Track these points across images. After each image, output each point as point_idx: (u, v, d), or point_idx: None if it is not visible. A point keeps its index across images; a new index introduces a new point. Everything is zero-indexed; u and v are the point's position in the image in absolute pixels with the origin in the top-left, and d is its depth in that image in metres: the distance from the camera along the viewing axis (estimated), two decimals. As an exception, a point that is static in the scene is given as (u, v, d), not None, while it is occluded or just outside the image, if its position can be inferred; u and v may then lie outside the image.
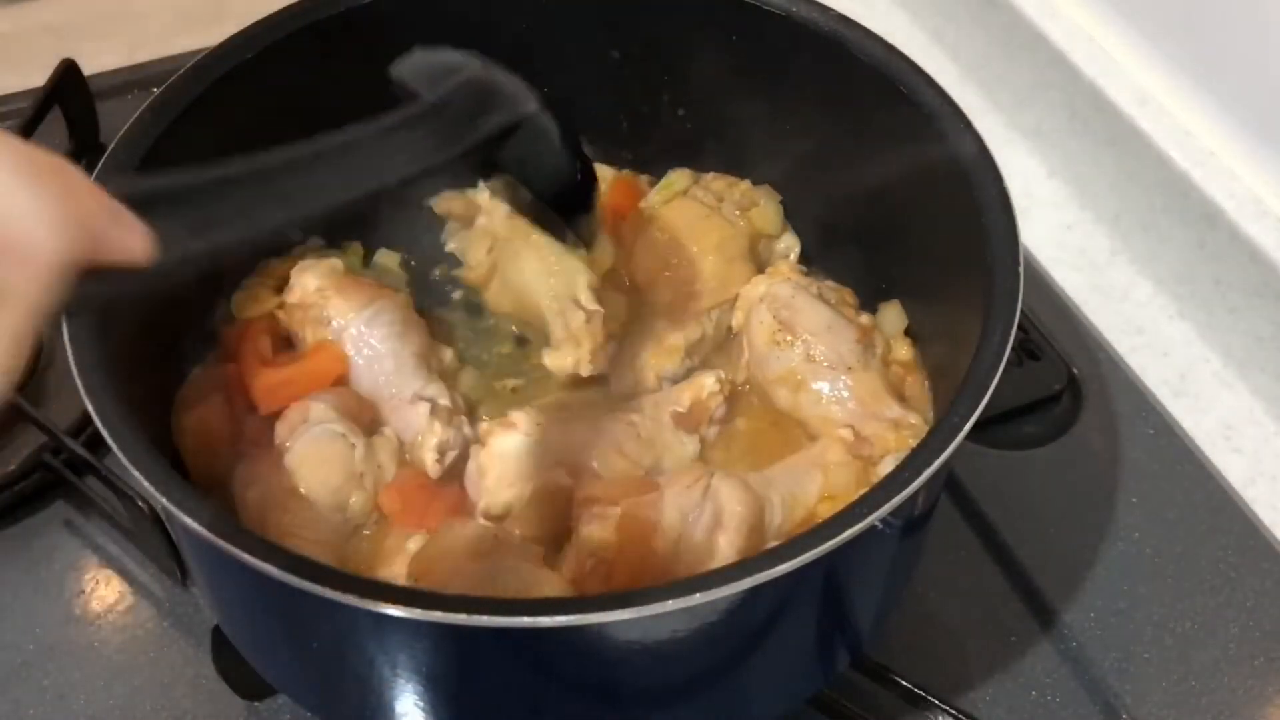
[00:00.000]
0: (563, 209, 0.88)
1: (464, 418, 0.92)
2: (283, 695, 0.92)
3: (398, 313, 0.94)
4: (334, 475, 0.86)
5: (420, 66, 0.81)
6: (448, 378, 0.95)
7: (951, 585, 1.00)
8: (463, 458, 0.90)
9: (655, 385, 0.95)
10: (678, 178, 1.04)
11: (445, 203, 1.07)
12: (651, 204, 1.03)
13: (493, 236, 1.02)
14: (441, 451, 0.89)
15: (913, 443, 0.85)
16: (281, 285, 0.97)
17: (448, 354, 0.97)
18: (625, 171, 1.07)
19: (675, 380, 0.95)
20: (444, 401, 0.91)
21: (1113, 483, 1.07)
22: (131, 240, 0.54)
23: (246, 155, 0.65)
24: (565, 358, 0.97)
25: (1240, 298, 1.15)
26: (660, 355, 0.95)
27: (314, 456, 0.86)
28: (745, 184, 1.03)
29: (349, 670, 0.76)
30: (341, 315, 0.92)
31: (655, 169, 1.07)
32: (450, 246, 1.06)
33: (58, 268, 0.49)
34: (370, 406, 0.92)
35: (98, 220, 0.52)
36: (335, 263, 0.97)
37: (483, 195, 1.05)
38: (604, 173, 1.07)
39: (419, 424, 0.90)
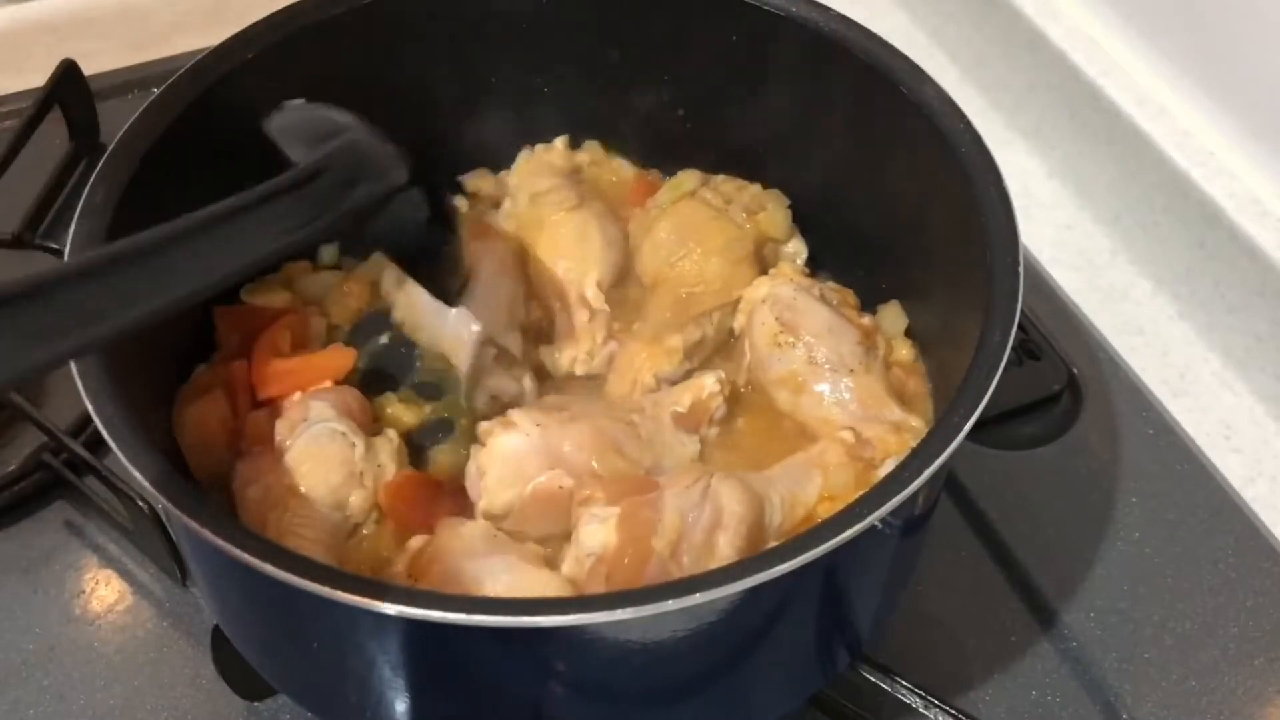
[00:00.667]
0: (429, 272, 0.87)
1: (528, 371, 0.95)
2: (283, 695, 0.92)
3: (499, 260, 0.97)
4: (334, 474, 0.86)
5: (294, 123, 0.78)
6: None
7: (951, 585, 1.00)
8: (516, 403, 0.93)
9: (653, 386, 0.95)
10: (686, 178, 1.04)
11: (477, 181, 1.07)
12: (659, 203, 1.03)
13: (516, 221, 1.02)
14: (492, 396, 0.93)
15: (914, 446, 0.85)
16: (289, 284, 1.00)
17: (534, 309, 0.98)
18: (640, 170, 1.08)
19: (673, 382, 0.95)
20: (515, 350, 0.94)
21: (1113, 483, 1.07)
22: None
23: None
24: (563, 355, 0.97)
25: (1240, 298, 1.15)
26: (658, 356, 0.95)
27: (314, 455, 0.86)
28: (755, 187, 1.03)
29: (349, 670, 0.76)
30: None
31: (668, 170, 1.07)
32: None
33: None
34: (369, 408, 0.92)
35: None
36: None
37: (512, 178, 1.05)
38: (622, 169, 1.07)
39: (481, 366, 0.93)
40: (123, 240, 0.62)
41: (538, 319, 0.98)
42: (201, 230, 0.65)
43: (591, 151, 1.08)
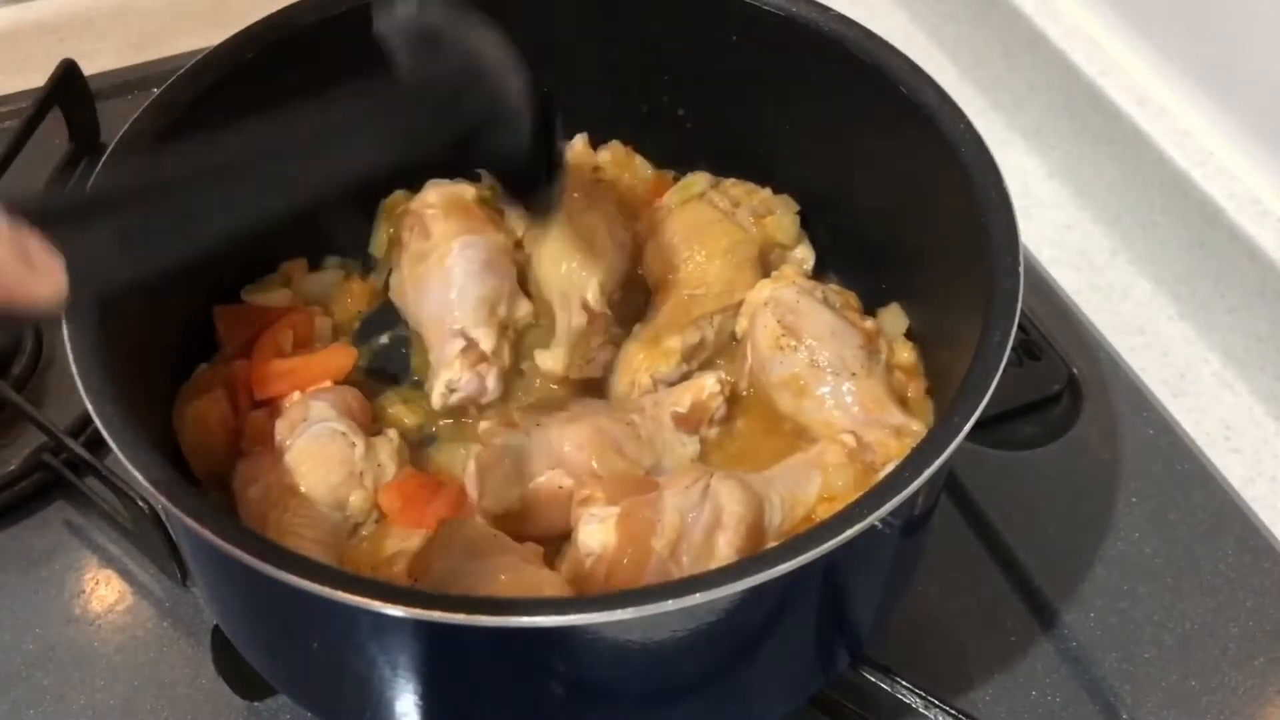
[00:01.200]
0: (526, 192, 0.85)
1: (495, 369, 0.93)
2: (283, 695, 0.92)
3: (487, 253, 0.96)
4: (334, 473, 0.86)
5: (407, 25, 0.73)
6: (509, 331, 0.96)
7: (951, 585, 1.00)
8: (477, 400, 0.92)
9: (650, 387, 0.94)
10: (695, 180, 1.04)
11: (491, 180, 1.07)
12: (667, 205, 1.03)
13: (523, 223, 1.02)
14: (449, 389, 0.91)
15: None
16: (288, 283, 0.99)
17: (524, 307, 0.97)
18: (660, 170, 1.08)
19: (671, 383, 0.95)
20: (484, 345, 0.92)
21: (1113, 483, 1.07)
22: (39, 285, 0.50)
23: (200, 144, 0.61)
24: (556, 360, 0.97)
25: (1240, 298, 1.15)
26: (656, 357, 0.95)
27: (314, 454, 0.86)
28: (765, 192, 1.03)
29: (349, 670, 0.76)
30: (439, 235, 0.96)
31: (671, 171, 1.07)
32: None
33: None
34: (369, 408, 0.92)
35: (6, 267, 0.49)
36: (465, 189, 1.00)
37: None
38: (644, 170, 1.07)
39: (446, 357, 0.91)
40: (214, 149, 0.60)
41: (524, 319, 0.98)
42: (299, 140, 0.64)
43: (613, 150, 1.07)
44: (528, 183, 0.82)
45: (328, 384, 0.91)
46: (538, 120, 0.77)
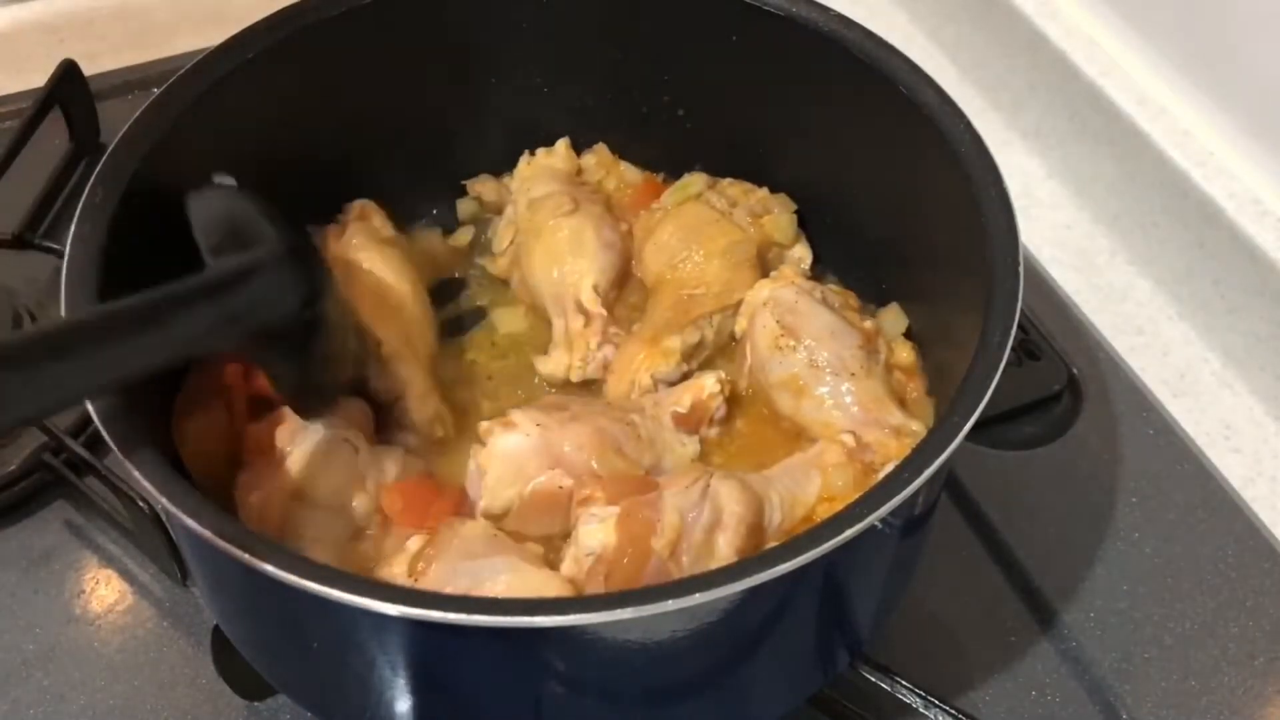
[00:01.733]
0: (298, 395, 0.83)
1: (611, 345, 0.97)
2: (283, 695, 0.92)
3: (613, 230, 1.01)
4: (336, 478, 0.85)
5: (216, 211, 0.75)
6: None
7: (951, 585, 1.00)
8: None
9: (650, 387, 0.94)
10: (693, 181, 1.04)
11: (479, 185, 1.07)
12: (663, 205, 1.03)
13: (515, 227, 1.02)
14: (584, 362, 0.96)
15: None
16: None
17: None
18: (649, 173, 1.08)
19: (670, 383, 0.95)
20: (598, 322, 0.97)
21: (1113, 483, 1.07)
22: None
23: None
24: (557, 364, 0.97)
25: (1240, 298, 1.15)
26: (655, 357, 0.95)
27: (317, 460, 0.86)
28: (762, 191, 1.03)
29: (349, 670, 0.76)
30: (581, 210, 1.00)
31: (668, 171, 1.07)
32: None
33: None
34: (372, 418, 0.91)
35: None
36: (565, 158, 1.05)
37: (513, 183, 1.05)
38: (630, 174, 1.07)
39: (575, 329, 0.97)
40: (58, 321, 0.63)
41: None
42: (111, 328, 0.65)
43: (599, 154, 1.08)
44: (301, 384, 0.81)
45: None
46: (316, 322, 0.76)
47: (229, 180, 0.78)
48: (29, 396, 0.61)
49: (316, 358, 0.79)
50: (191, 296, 0.68)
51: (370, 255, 0.96)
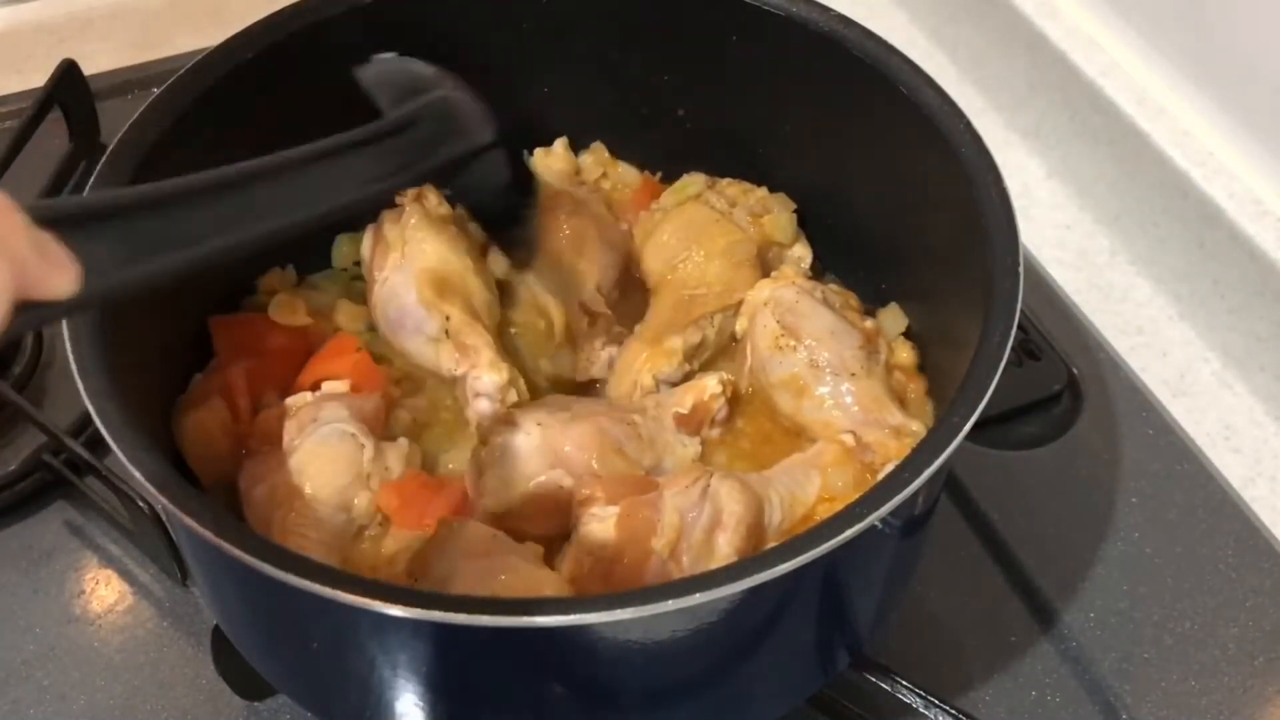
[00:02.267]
0: (501, 229, 0.90)
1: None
2: (283, 695, 0.92)
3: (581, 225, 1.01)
4: (340, 475, 0.85)
5: (386, 74, 0.79)
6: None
7: (951, 585, 1.00)
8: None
9: (652, 387, 0.95)
10: (691, 181, 1.04)
11: None
12: (663, 206, 1.03)
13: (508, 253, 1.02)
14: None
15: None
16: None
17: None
18: (646, 173, 1.08)
19: (673, 383, 0.95)
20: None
21: (1113, 483, 1.07)
22: (56, 278, 0.54)
23: (194, 172, 0.64)
24: (561, 364, 0.97)
25: (1240, 298, 1.15)
26: (657, 357, 0.95)
27: (322, 455, 0.86)
28: (761, 191, 1.03)
29: (349, 670, 0.76)
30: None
31: (668, 171, 1.07)
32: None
33: None
34: (384, 414, 0.91)
35: (21, 258, 0.52)
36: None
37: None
38: (627, 174, 1.07)
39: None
40: (213, 170, 0.64)
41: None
42: (290, 168, 0.67)
43: (596, 154, 1.08)
44: (506, 216, 0.89)
45: (344, 386, 0.91)
46: (509, 155, 0.83)
47: (389, 55, 0.81)
48: (222, 226, 0.62)
49: (503, 183, 0.84)
50: (378, 135, 0.72)
51: (428, 234, 0.95)
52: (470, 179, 0.80)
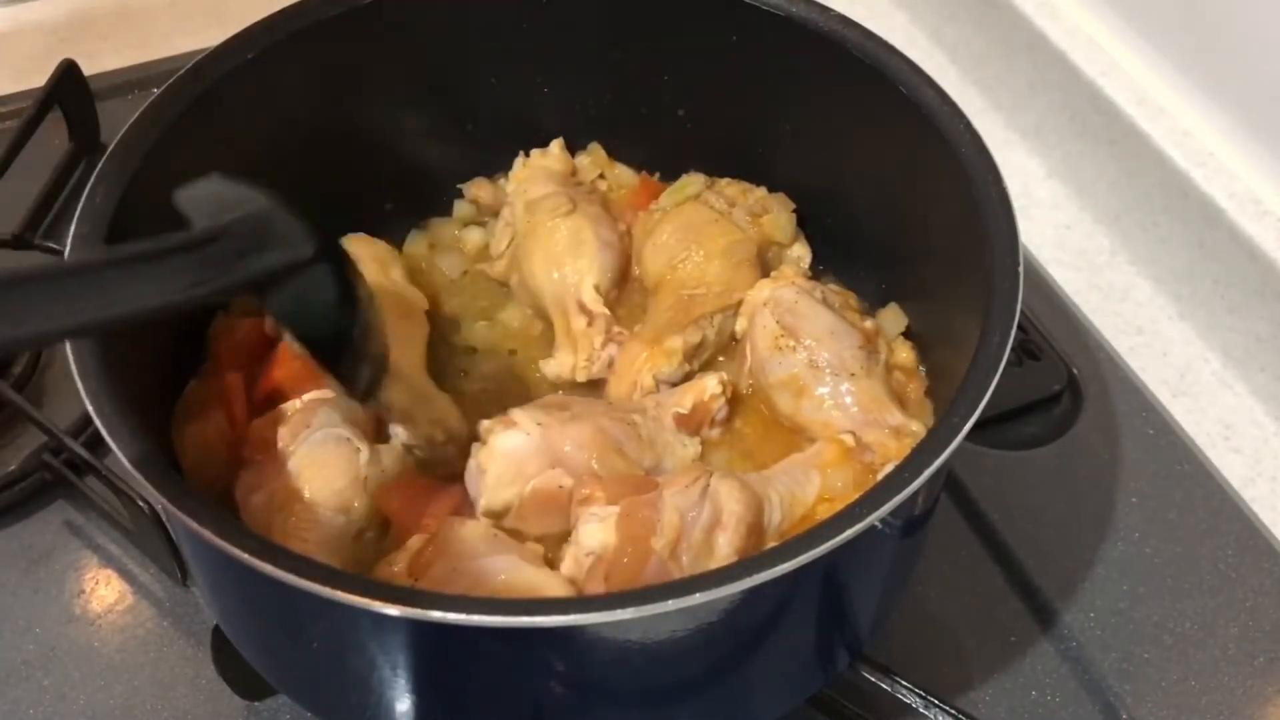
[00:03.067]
0: (336, 356, 0.81)
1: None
2: (283, 695, 0.92)
3: (611, 230, 1.02)
4: (337, 478, 0.85)
5: (204, 195, 0.75)
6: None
7: (951, 585, 1.00)
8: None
9: (652, 387, 0.95)
10: (690, 181, 1.04)
11: (475, 189, 1.08)
12: (662, 206, 1.03)
13: (513, 229, 1.02)
14: (590, 362, 0.96)
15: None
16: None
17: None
18: (645, 173, 1.08)
19: (673, 383, 0.95)
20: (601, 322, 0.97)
21: (1113, 483, 1.07)
22: None
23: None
24: (562, 365, 0.97)
25: (1240, 298, 1.15)
26: (657, 357, 0.95)
27: (318, 460, 0.85)
28: (760, 191, 1.03)
29: (349, 670, 0.76)
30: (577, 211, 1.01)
31: (667, 171, 1.07)
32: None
33: None
34: (373, 416, 0.91)
35: None
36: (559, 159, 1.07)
37: (509, 185, 1.05)
38: (624, 175, 1.07)
39: (578, 328, 0.97)
40: (15, 269, 0.63)
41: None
42: (89, 271, 0.66)
43: (593, 154, 1.08)
44: (333, 338, 0.80)
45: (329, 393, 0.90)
46: (333, 272, 0.76)
47: (213, 175, 0.77)
48: (20, 318, 0.62)
49: (327, 301, 0.77)
50: (186, 245, 0.69)
51: (372, 273, 0.96)
52: (289, 296, 0.74)
